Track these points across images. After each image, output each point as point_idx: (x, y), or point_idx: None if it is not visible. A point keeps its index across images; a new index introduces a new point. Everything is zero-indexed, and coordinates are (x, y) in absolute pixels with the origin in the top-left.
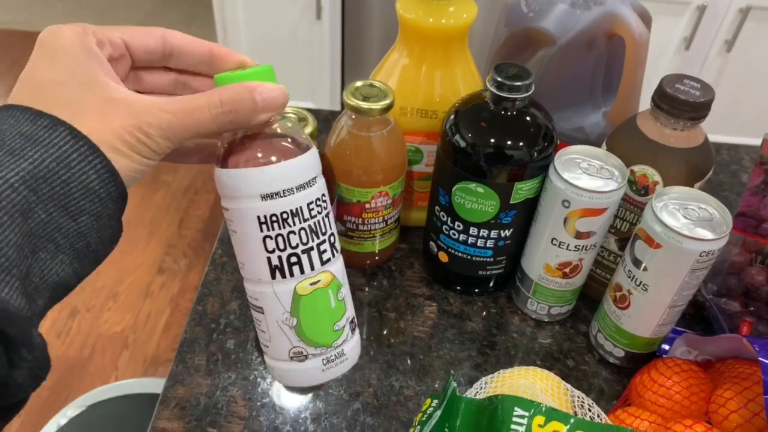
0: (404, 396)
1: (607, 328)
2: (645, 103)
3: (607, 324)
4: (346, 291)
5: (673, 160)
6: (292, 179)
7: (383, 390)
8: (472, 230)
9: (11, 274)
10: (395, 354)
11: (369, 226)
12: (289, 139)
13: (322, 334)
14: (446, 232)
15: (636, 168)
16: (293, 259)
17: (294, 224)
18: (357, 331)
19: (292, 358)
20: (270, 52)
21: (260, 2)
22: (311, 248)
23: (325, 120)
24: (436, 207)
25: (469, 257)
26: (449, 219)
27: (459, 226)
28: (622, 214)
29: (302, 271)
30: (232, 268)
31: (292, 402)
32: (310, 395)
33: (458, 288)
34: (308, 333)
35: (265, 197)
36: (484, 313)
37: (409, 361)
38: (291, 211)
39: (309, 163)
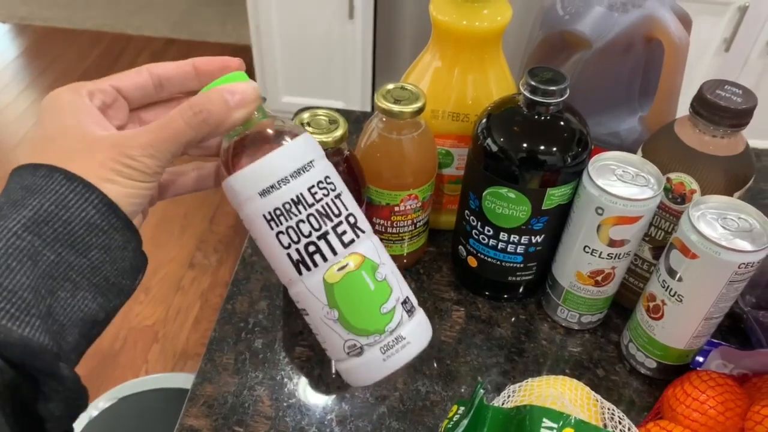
0: (430, 401)
1: (639, 338)
2: (683, 108)
3: (639, 334)
4: (387, 270)
5: (712, 169)
6: (283, 168)
7: (409, 394)
8: (503, 235)
9: (30, 314)
10: (422, 358)
11: (397, 228)
12: (272, 133)
13: (369, 320)
14: (476, 237)
15: (673, 176)
16: (311, 248)
17: (299, 212)
18: (418, 313)
19: (348, 353)
20: (302, 51)
21: (293, 2)
22: (326, 233)
23: (356, 121)
24: (466, 211)
25: (498, 263)
26: (479, 223)
27: (489, 231)
28: (658, 222)
29: (325, 259)
30: (261, 267)
31: (318, 403)
32: (335, 397)
33: (487, 293)
34: (353, 322)
35: (263, 193)
36: (513, 319)
37: (436, 366)
38: (292, 200)
39: (298, 148)
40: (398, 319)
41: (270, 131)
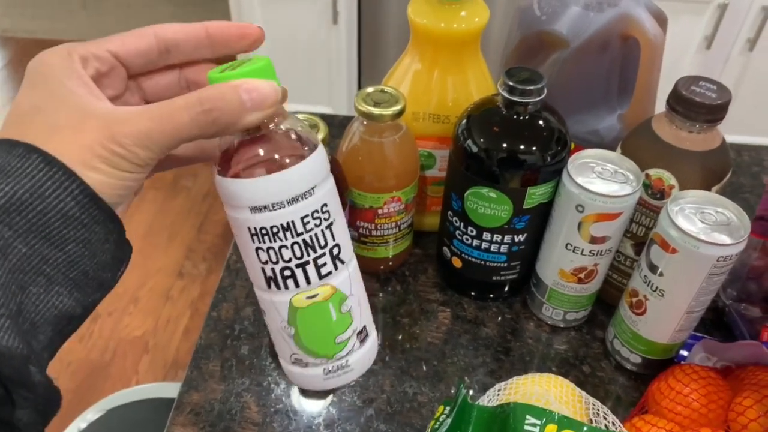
0: (418, 402)
1: (623, 334)
2: (661, 105)
3: (624, 330)
4: (353, 302)
5: (689, 164)
6: (282, 193)
7: (397, 396)
8: (486, 235)
9: None
10: (409, 360)
11: (382, 231)
12: (287, 145)
13: (322, 346)
14: (459, 238)
15: (651, 172)
16: (287, 273)
17: (285, 238)
18: (370, 338)
19: (293, 362)
20: (287, 57)
21: (277, 8)
22: (306, 263)
23: (340, 125)
24: (449, 212)
25: (482, 262)
26: (462, 224)
27: (472, 231)
28: (638, 218)
29: (297, 285)
30: (246, 274)
31: (305, 408)
32: (323, 402)
33: (472, 293)
34: (306, 344)
35: (254, 210)
36: (499, 318)
37: (423, 368)
38: (282, 225)
39: (305, 172)
40: (350, 348)
41: (280, 141)
